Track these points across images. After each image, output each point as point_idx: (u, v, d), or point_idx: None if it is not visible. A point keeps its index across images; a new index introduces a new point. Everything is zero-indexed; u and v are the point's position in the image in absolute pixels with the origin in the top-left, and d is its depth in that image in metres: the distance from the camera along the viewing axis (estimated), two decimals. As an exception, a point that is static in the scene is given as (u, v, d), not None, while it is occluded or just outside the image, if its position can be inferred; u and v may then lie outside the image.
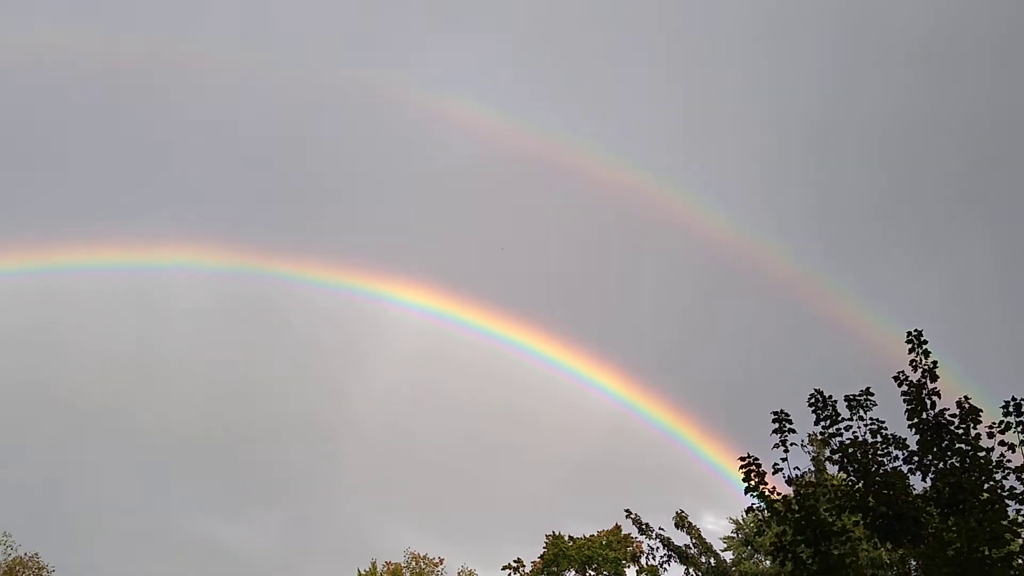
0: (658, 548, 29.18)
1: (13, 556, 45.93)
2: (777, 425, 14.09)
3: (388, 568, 45.72)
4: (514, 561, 39.59)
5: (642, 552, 32.66)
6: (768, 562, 31.88)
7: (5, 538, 45.83)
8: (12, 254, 63.17)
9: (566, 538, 38.84)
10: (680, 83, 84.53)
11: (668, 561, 29.27)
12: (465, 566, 46.50)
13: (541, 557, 39.25)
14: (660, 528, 28.78)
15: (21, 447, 73.96)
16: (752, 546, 36.81)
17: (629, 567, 36.37)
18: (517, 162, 79.65)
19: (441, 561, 46.19)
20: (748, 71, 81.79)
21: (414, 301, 69.53)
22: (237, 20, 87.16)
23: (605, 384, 62.12)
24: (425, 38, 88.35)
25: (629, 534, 36.83)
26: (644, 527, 28.68)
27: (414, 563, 45.76)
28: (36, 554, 46.67)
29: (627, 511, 28.94)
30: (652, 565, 33.53)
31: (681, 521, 28.28)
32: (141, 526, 73.56)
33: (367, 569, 45.64)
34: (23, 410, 76.20)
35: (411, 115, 77.17)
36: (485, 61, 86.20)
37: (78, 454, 79.24)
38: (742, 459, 14.28)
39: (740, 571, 31.85)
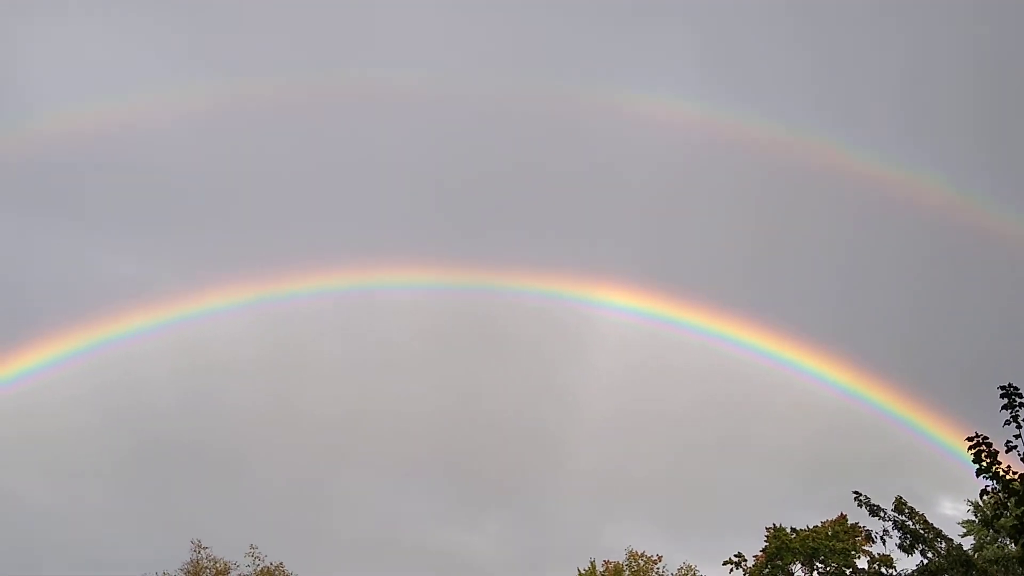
0: (892, 532, 27.23)
1: (261, 566, 48.91)
2: (1007, 400, 13.26)
3: (608, 567, 45.45)
4: (735, 556, 38.40)
5: (872, 541, 30.56)
6: (1012, 545, 29.01)
7: (252, 549, 48.77)
8: (251, 284, 68.02)
9: (788, 530, 37.19)
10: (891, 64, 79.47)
11: (911, 546, 27.09)
12: (686, 562, 45.61)
13: (763, 551, 37.81)
14: (893, 511, 26.95)
15: (269, 462, 79.85)
16: (993, 528, 33.61)
17: (859, 558, 34.22)
18: (715, 153, 77.68)
19: (660, 558, 45.49)
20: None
21: (628, 304, 69.29)
22: (404, 46, 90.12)
23: (825, 373, 59.57)
24: (603, 35, 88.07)
25: (856, 523, 34.71)
26: (875, 508, 26.86)
27: (632, 561, 45.23)
28: (281, 564, 49.37)
29: (856, 493, 27.15)
30: (886, 555, 31.40)
31: (901, 506, 26.30)
32: (377, 535, 77.40)
33: (586, 568, 45.58)
34: (270, 426, 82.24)
35: (600, 115, 77.05)
36: (669, 54, 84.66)
37: (319, 466, 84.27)
38: (970, 439, 13.56)
39: (983, 557, 29.21)
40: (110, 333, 58.75)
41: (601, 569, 45.62)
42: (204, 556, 48.00)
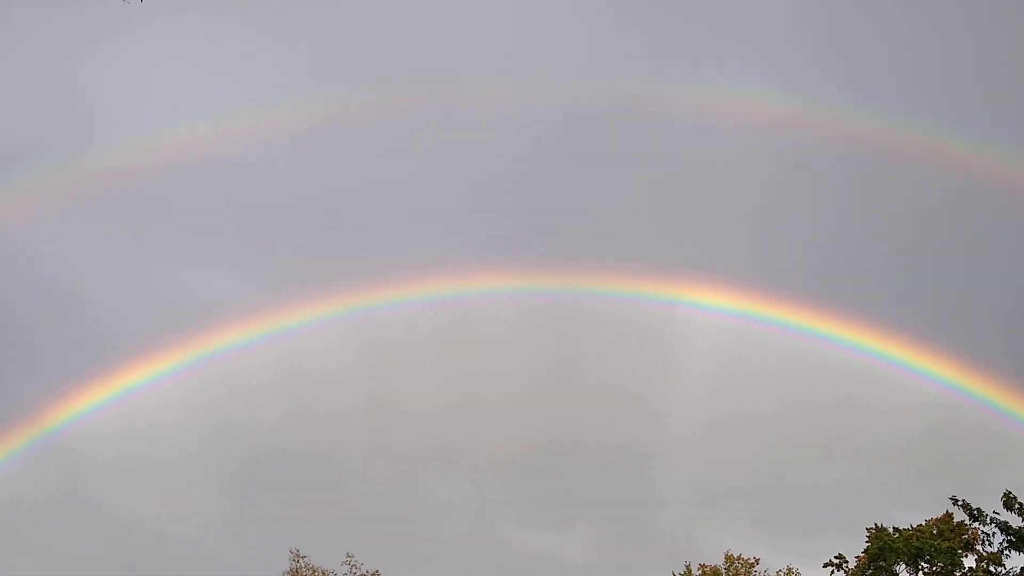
0: (995, 534, 26.08)
1: (358, 574, 49.58)
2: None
3: (704, 571, 44.65)
4: (836, 557, 37.38)
5: (977, 539, 29.30)
6: None
7: (349, 558, 49.53)
8: (345, 296, 69.04)
9: (891, 530, 35.82)
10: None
11: (1008, 548, 26.00)
12: (786, 565, 44.49)
13: (865, 552, 36.56)
14: (994, 512, 25.76)
15: (367, 470, 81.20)
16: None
17: (966, 556, 32.71)
18: (806, 147, 75.83)
19: (757, 561, 44.46)
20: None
21: (718, 303, 68.22)
22: (489, 53, 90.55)
23: (927, 368, 57.45)
24: (689, 31, 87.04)
25: (963, 521, 33.17)
26: (976, 513, 25.77)
27: (730, 565, 44.32)
28: (377, 571, 49.98)
29: (953, 498, 26.14)
30: (992, 552, 30.05)
31: (1011, 502, 25.10)
32: (472, 541, 77.81)
33: (682, 572, 44.87)
34: (367, 435, 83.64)
35: (686, 112, 76.05)
36: (757, 47, 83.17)
37: (416, 474, 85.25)
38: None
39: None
40: (209, 349, 60.58)
41: (697, 573, 44.85)
42: (303, 565, 49.05)
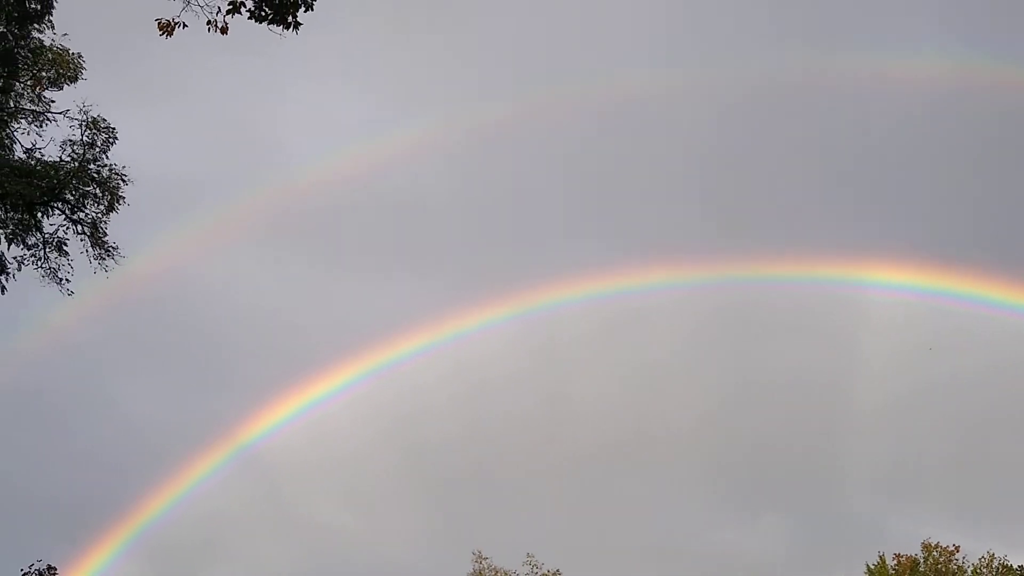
0: None
1: (540, 573, 50.37)
2: None
3: (899, 561, 42.53)
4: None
5: None
6: None
7: (530, 558, 50.40)
8: (513, 299, 70.11)
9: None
10: None
11: None
12: (989, 551, 41.80)
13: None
14: None
15: (545, 472, 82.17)
16: None
17: None
18: (970, 107, 71.01)
19: (957, 549, 42.07)
20: None
21: (898, 281, 64.96)
22: (661, 45, 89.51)
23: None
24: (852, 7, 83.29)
25: None
26: None
27: (928, 554, 42.02)
28: (559, 571, 50.63)
29: None
30: None
31: None
32: (652, 540, 77.22)
33: (875, 564, 42.96)
34: (545, 436, 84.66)
35: (850, 85, 72.81)
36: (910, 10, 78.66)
37: (594, 474, 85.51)
38: None
39: None
40: (387, 358, 62.83)
41: (892, 564, 42.80)
42: (486, 566, 50.26)
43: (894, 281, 64.91)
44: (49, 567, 30.59)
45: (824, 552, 64.81)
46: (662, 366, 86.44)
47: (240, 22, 10.51)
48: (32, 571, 30.28)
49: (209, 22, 10.37)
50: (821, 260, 66.50)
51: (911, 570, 42.48)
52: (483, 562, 50.30)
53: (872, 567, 43.11)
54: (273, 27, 10.55)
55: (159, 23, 10.49)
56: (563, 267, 78.83)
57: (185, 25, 10.48)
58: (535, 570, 50.07)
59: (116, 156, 21.91)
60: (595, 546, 72.95)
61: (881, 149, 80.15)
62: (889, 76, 69.23)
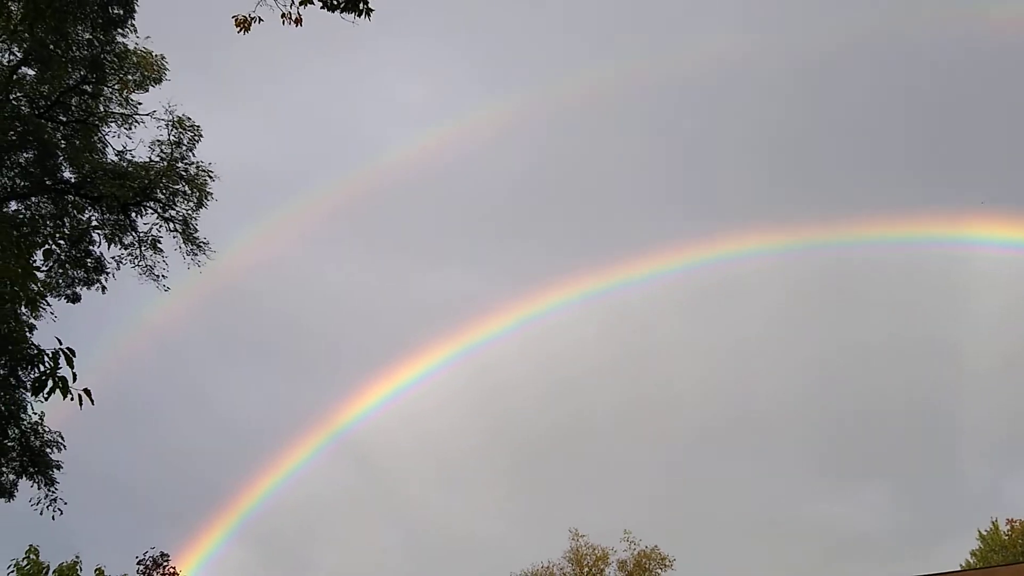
0: None
1: (638, 550, 50.28)
2: None
3: (1013, 527, 41.00)
4: None
5: None
6: None
7: (627, 534, 50.32)
8: (585, 277, 69.70)
9: None
10: None
11: None
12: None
13: None
14: None
15: (638, 449, 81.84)
16: None
17: None
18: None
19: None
20: None
21: (1006, 237, 62.33)
22: (737, 9, 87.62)
23: None
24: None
25: None
26: None
27: (1044, 518, 40.43)
28: (656, 546, 50.37)
29: None
30: None
31: None
32: (752, 514, 76.18)
33: (988, 530, 41.49)
34: (635, 414, 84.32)
35: (951, 42, 70.02)
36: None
37: (690, 449, 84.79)
38: None
39: None
40: (470, 342, 63.27)
41: (1006, 530, 41.27)
42: (582, 543, 50.39)
43: (998, 237, 62.19)
44: (162, 554, 31.78)
45: (932, 520, 63.08)
46: (759, 336, 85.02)
47: (315, 14, 10.53)
48: (146, 558, 31.52)
49: (283, 15, 10.40)
50: (918, 220, 64.23)
51: (1026, 535, 41.01)
52: (580, 539, 50.49)
53: (985, 534, 41.67)
54: (345, 15, 10.52)
55: (235, 19, 10.56)
56: (652, 239, 78.09)
57: (261, 19, 10.54)
58: (632, 547, 49.97)
59: (202, 153, 22.46)
60: (692, 521, 72.48)
61: (978, 103, 77.04)
62: (984, 25, 66.32)
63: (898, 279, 76.66)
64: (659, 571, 49.72)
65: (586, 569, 50.01)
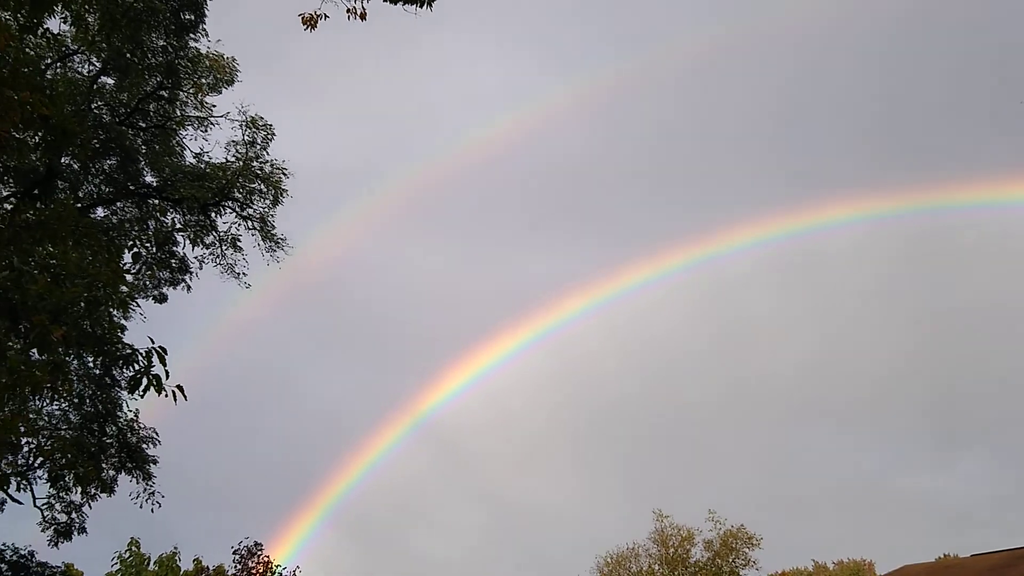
0: None
1: (723, 530, 49.78)
2: None
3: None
4: None
5: None
6: None
7: (711, 514, 49.83)
8: (675, 252, 68.84)
9: None
10: None
11: None
12: None
13: None
14: None
15: (722, 428, 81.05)
16: None
17: None
18: None
19: None
20: None
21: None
22: None
23: None
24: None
25: None
26: None
27: None
28: (743, 525, 49.76)
29: None
30: None
31: None
32: (838, 488, 74.80)
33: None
34: (719, 392, 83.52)
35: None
36: None
37: (774, 426, 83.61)
38: None
39: None
40: (552, 322, 63.30)
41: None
42: (667, 524, 50.11)
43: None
44: (256, 543, 32.77)
45: (1027, 488, 60.91)
46: (849, 307, 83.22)
47: (379, 8, 10.61)
48: (241, 548, 32.54)
49: (348, 10, 10.49)
50: (1013, 182, 61.96)
51: None
52: (663, 520, 50.19)
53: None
54: (408, 7, 10.58)
55: (302, 17, 10.71)
56: (733, 211, 76.67)
57: (327, 16, 10.66)
58: (718, 526, 49.49)
59: (276, 151, 22.89)
60: (781, 498, 71.48)
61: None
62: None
63: (998, 243, 74.18)
64: (746, 550, 49.19)
65: (672, 550, 49.72)
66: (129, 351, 8.59)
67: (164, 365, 8.33)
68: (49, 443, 15.32)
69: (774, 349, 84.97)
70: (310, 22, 10.68)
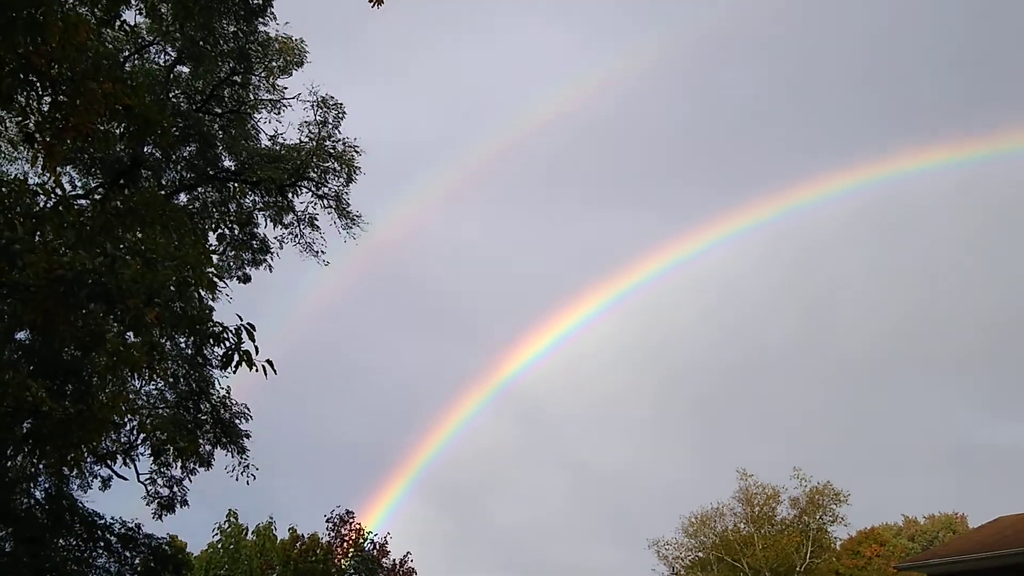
0: None
1: (810, 487, 49.31)
2: None
3: None
4: None
5: None
6: None
7: (797, 471, 49.42)
8: (758, 207, 67.77)
9: None
10: None
11: None
12: None
13: None
14: None
15: (807, 384, 79.76)
16: None
17: None
18: None
19: None
20: None
21: None
22: None
23: None
24: None
25: None
26: None
27: None
28: (829, 482, 49.23)
29: None
30: None
31: None
32: (924, 441, 73.25)
33: None
34: (804, 348, 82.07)
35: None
36: None
37: (860, 381, 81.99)
38: None
39: None
40: (633, 282, 62.85)
41: None
42: (751, 483, 49.90)
43: None
44: (348, 511, 33.76)
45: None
46: (941, 260, 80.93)
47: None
48: (333, 516, 33.58)
49: (368, -7, 10.48)
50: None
51: None
52: (748, 479, 50.00)
53: None
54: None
55: (367, -5, 10.79)
56: (813, 164, 74.71)
57: (392, -7, 10.70)
58: (804, 483, 49.11)
59: (347, 130, 23.20)
60: (863, 454, 70.26)
61: None
62: None
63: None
64: (833, 506, 48.73)
65: (757, 508, 49.55)
66: (220, 329, 8.93)
67: (253, 341, 8.64)
68: (149, 421, 16.04)
69: (859, 307, 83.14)
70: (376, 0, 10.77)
